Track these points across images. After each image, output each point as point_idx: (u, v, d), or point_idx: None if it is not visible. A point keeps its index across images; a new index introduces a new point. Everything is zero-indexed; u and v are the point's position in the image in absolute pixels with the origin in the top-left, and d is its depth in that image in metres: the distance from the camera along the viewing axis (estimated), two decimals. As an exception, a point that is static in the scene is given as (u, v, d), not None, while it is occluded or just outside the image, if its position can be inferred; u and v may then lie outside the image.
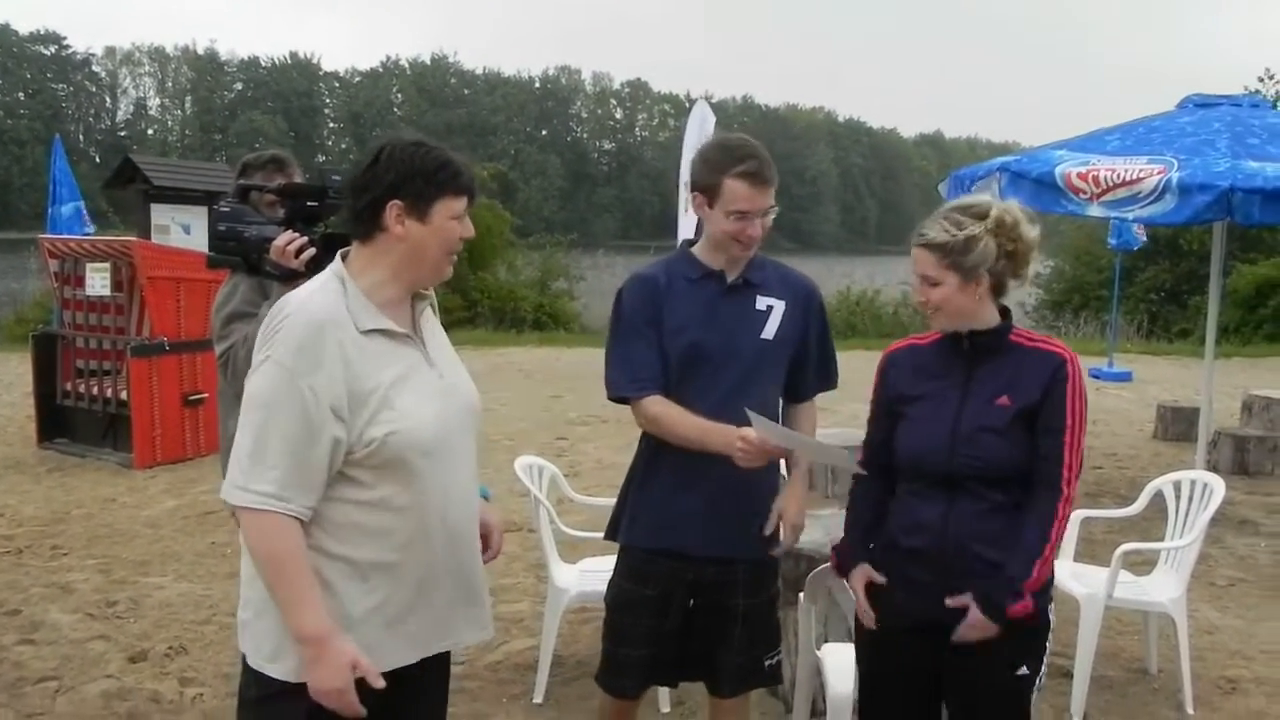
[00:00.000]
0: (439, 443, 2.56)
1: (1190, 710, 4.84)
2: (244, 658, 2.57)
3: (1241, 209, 6.19)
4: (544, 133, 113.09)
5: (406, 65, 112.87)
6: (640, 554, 3.45)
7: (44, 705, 4.76)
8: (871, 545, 3.20)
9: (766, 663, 3.50)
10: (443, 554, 2.60)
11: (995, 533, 2.95)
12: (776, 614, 3.57)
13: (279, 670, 2.48)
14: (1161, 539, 5.21)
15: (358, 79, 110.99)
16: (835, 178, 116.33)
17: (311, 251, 3.45)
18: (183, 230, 14.71)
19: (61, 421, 10.03)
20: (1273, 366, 16.85)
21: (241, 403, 2.48)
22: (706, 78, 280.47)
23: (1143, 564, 5.67)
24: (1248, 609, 6.26)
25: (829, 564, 3.68)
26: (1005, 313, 3.06)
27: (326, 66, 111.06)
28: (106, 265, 9.50)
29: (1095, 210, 6.56)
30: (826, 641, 4.21)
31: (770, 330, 3.37)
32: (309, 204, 3.61)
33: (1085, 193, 6.50)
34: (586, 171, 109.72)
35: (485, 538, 2.82)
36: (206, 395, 9.56)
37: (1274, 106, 9.66)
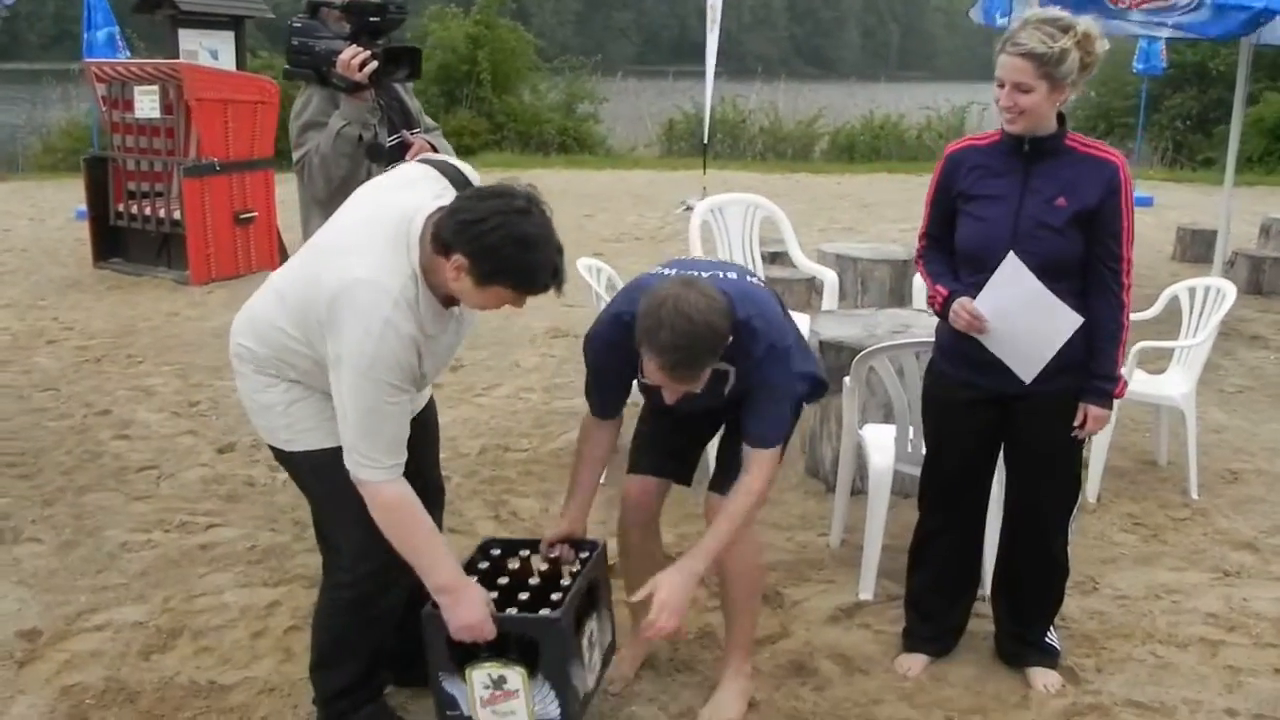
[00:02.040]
0: (441, 364, 3.01)
1: (1195, 495, 5.30)
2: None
3: (1272, 32, 6.37)
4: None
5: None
6: None
7: (149, 489, 5.22)
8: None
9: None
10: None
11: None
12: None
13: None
14: (1175, 340, 5.59)
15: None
16: (858, 1, 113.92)
17: (374, 65, 3.72)
18: (210, 55, 14.79)
19: (115, 242, 10.40)
20: (1291, 195, 16.99)
21: (346, 395, 2.72)
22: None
23: (1158, 363, 6.05)
24: (1254, 412, 6.69)
25: (869, 349, 4.09)
26: (1061, 119, 3.32)
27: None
28: (155, 88, 9.73)
29: (1135, 17, 6.69)
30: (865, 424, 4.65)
31: (729, 389, 3.21)
32: (371, 19, 3.89)
33: (1124, 1, 6.64)
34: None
35: None
36: (256, 213, 9.93)
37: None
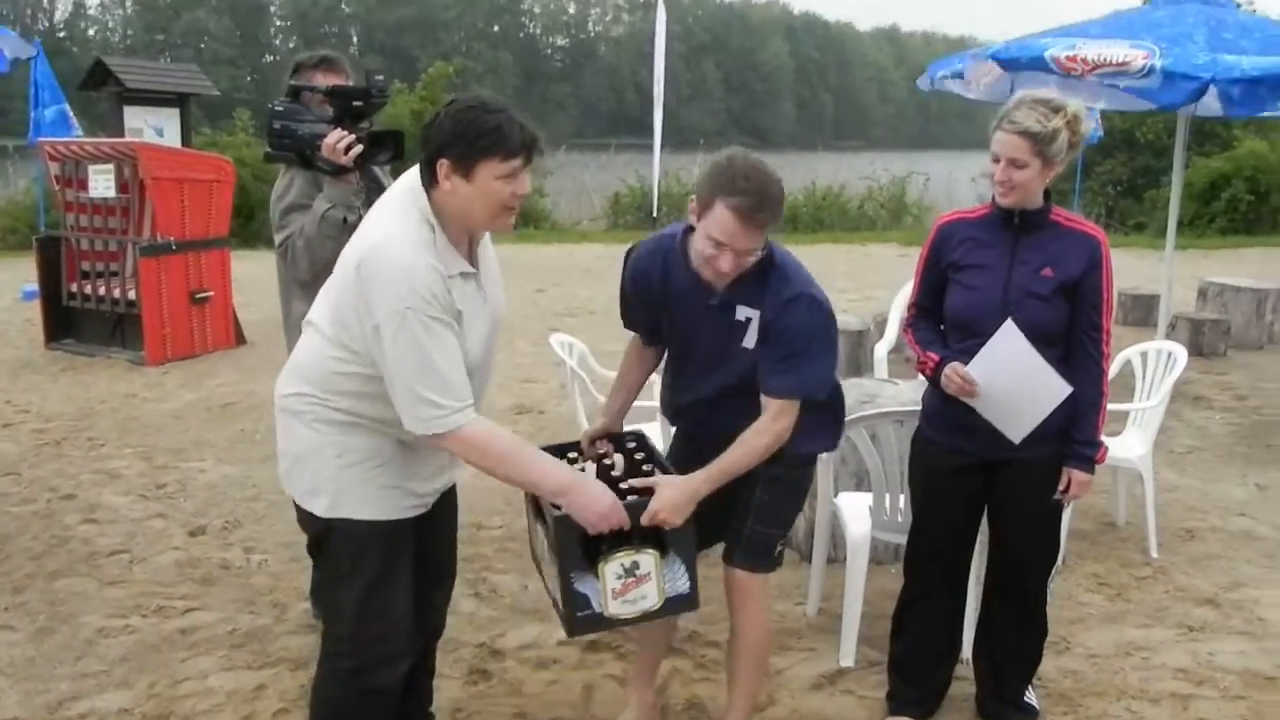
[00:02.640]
0: (478, 361, 2.99)
1: (1154, 554, 5.46)
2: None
3: (1224, 98, 6.63)
4: (496, 29, 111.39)
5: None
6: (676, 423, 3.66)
7: (122, 574, 5.20)
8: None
9: (779, 548, 3.54)
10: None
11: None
12: (793, 497, 3.57)
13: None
14: (1130, 403, 5.76)
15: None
16: (791, 72, 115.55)
17: (359, 149, 3.82)
18: (155, 133, 14.83)
19: (68, 322, 10.31)
20: (1224, 258, 17.45)
21: (389, 352, 2.77)
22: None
23: (1113, 425, 6.19)
24: (1204, 471, 6.90)
25: (850, 417, 4.20)
26: (1047, 195, 3.51)
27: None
28: (110, 167, 9.73)
29: (1090, 80, 6.91)
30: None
31: (750, 340, 3.31)
32: (355, 103, 3.97)
33: (1076, 70, 6.83)
34: (540, 69, 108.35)
35: None
36: (212, 293, 9.94)
37: (1236, 4, 10.05)
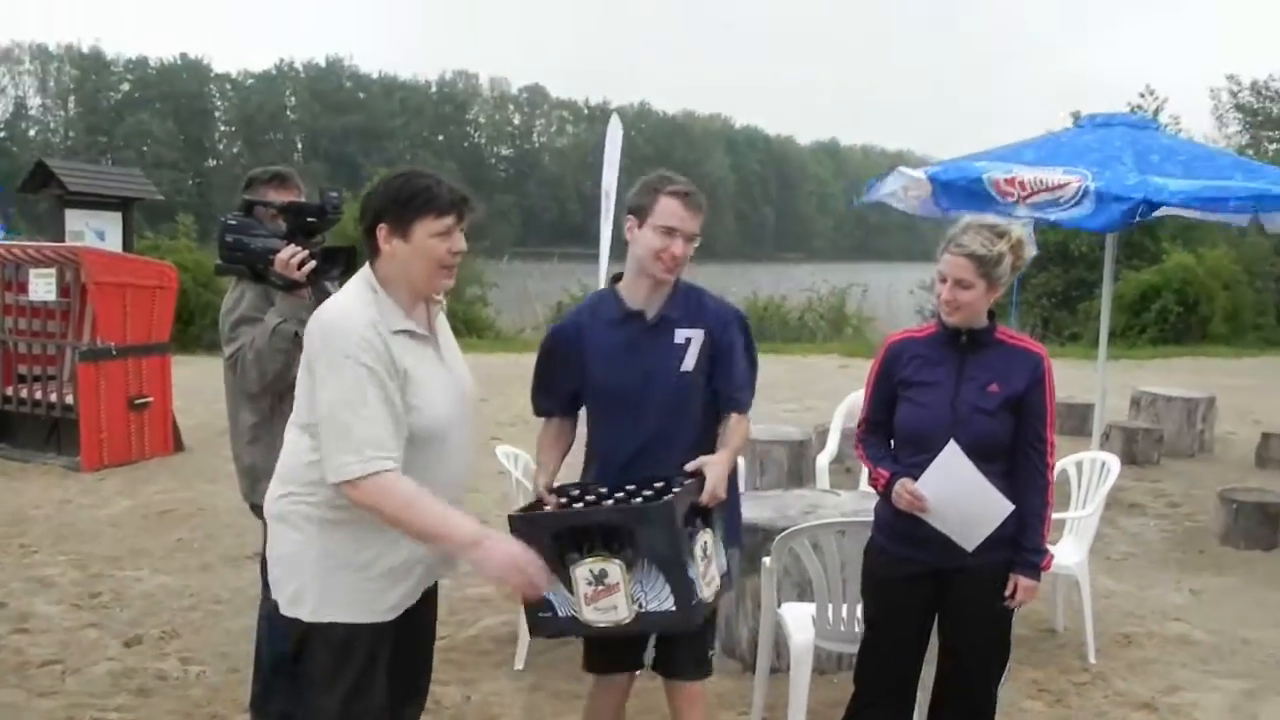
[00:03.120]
0: (450, 427, 3.03)
1: (1093, 660, 5.52)
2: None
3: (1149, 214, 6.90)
4: (441, 138, 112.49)
5: (301, 68, 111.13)
6: None
7: (54, 685, 5.08)
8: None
9: (710, 653, 3.67)
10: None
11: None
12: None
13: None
14: (1066, 512, 5.84)
15: (250, 81, 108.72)
16: (733, 185, 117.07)
17: (312, 264, 3.86)
18: (97, 236, 14.77)
19: (3, 426, 10.19)
20: (1155, 368, 17.80)
21: (320, 396, 2.88)
22: (605, 84, 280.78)
23: (1051, 534, 6.28)
24: (1140, 577, 6.99)
25: (790, 530, 4.24)
26: (991, 314, 3.67)
27: (218, 68, 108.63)
28: (52, 271, 9.70)
29: (1022, 211, 7.12)
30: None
31: (690, 362, 3.53)
32: (309, 219, 4.03)
33: (1012, 195, 7.05)
34: (485, 178, 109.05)
35: None
36: (152, 399, 9.85)
37: (1157, 123, 10.45)
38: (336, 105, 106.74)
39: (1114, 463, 5.71)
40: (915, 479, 3.61)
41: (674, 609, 3.13)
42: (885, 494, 3.72)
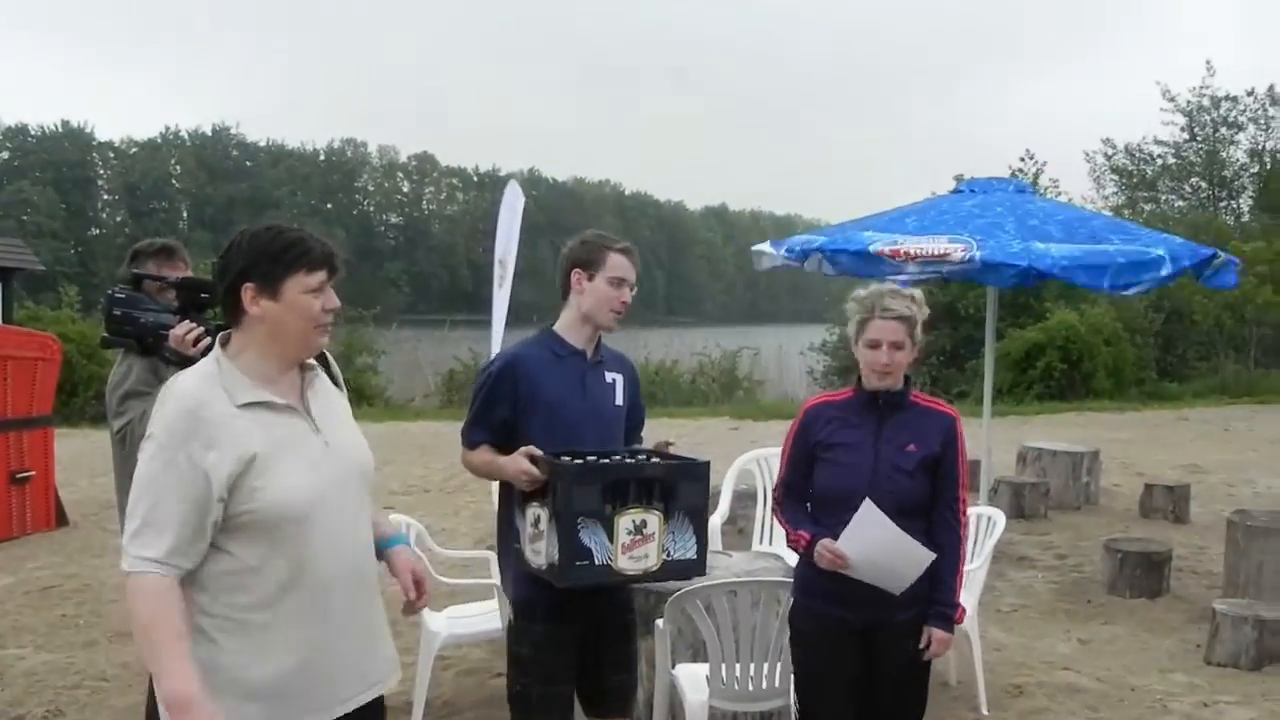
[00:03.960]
0: (313, 507, 2.72)
1: (985, 711, 5.63)
2: None
3: (1040, 281, 7.11)
4: (329, 206, 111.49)
5: (186, 136, 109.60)
6: (561, 594, 3.60)
7: (-71, 772, 4.91)
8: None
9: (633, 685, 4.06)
10: (332, 613, 2.77)
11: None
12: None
13: None
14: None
15: (134, 149, 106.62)
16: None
17: (208, 341, 3.84)
18: (-26, 307, 14.48)
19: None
20: (1042, 423, 18.22)
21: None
22: (494, 152, 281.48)
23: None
24: (1029, 629, 7.14)
25: (683, 590, 4.27)
26: (907, 378, 3.82)
27: (101, 136, 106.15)
28: (-71, 345, 9.44)
29: (912, 268, 7.31)
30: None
31: (619, 398, 4.01)
32: (202, 295, 4.02)
33: (901, 257, 7.29)
34: (374, 245, 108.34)
35: (418, 584, 3.04)
36: (34, 473, 9.59)
37: (1036, 185, 10.81)
38: (223, 173, 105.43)
39: (999, 517, 5.86)
40: (835, 539, 3.69)
41: (695, 556, 3.58)
42: (807, 555, 3.79)
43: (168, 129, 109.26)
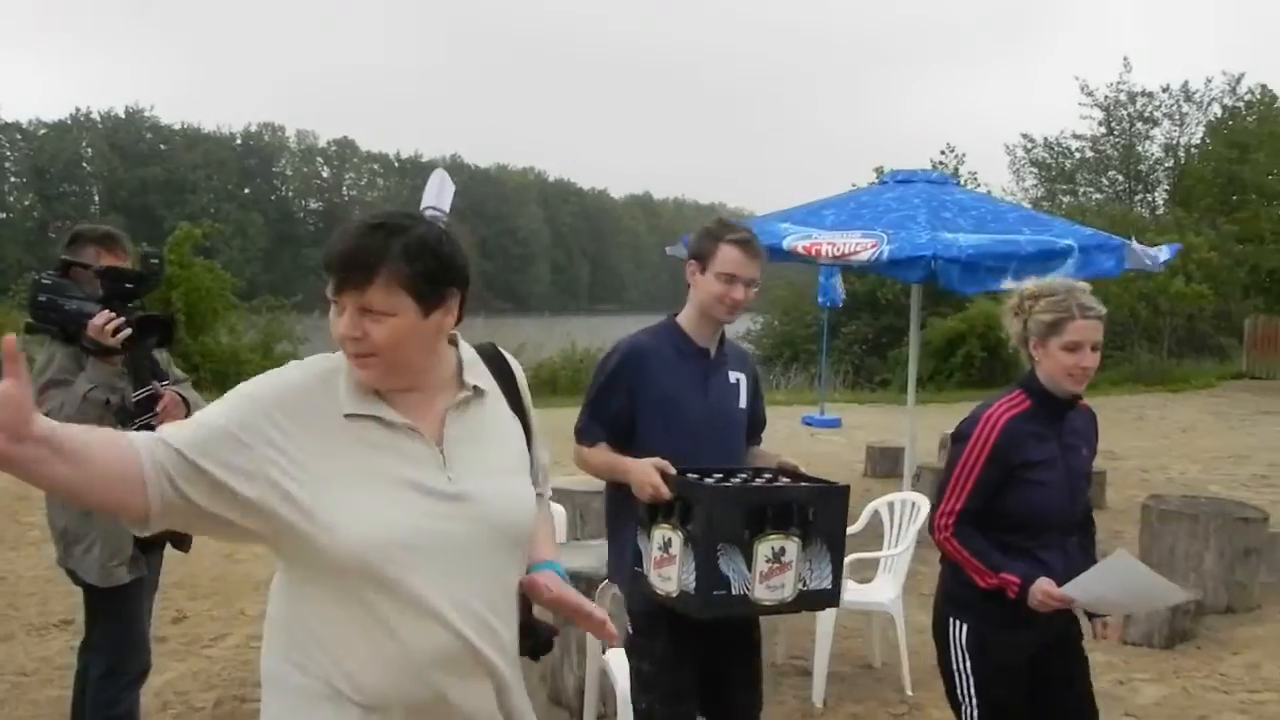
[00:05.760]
0: (408, 553, 2.09)
1: (910, 692, 5.72)
2: None
3: (943, 274, 7.20)
4: (247, 191, 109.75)
5: (98, 118, 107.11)
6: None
7: None
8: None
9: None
10: (427, 686, 2.14)
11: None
12: None
13: None
14: (879, 551, 6.05)
15: (43, 131, 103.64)
16: (547, 238, 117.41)
17: (128, 332, 3.78)
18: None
19: None
20: (962, 410, 18.11)
21: None
22: (415, 137, 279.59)
23: (864, 573, 6.48)
24: (953, 614, 7.21)
25: (606, 582, 4.28)
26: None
27: (7, 117, 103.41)
28: None
29: (825, 261, 7.44)
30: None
31: (743, 400, 3.83)
32: (127, 285, 3.93)
33: (811, 255, 7.38)
34: (293, 232, 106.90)
35: (584, 612, 2.38)
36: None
37: (956, 178, 10.98)
38: (136, 157, 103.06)
39: (923, 502, 5.94)
40: (1043, 562, 3.42)
41: (830, 587, 3.35)
42: (1018, 600, 3.39)
43: (78, 110, 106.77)
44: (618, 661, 4.63)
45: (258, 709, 5.17)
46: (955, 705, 3.62)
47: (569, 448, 3.76)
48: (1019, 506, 3.45)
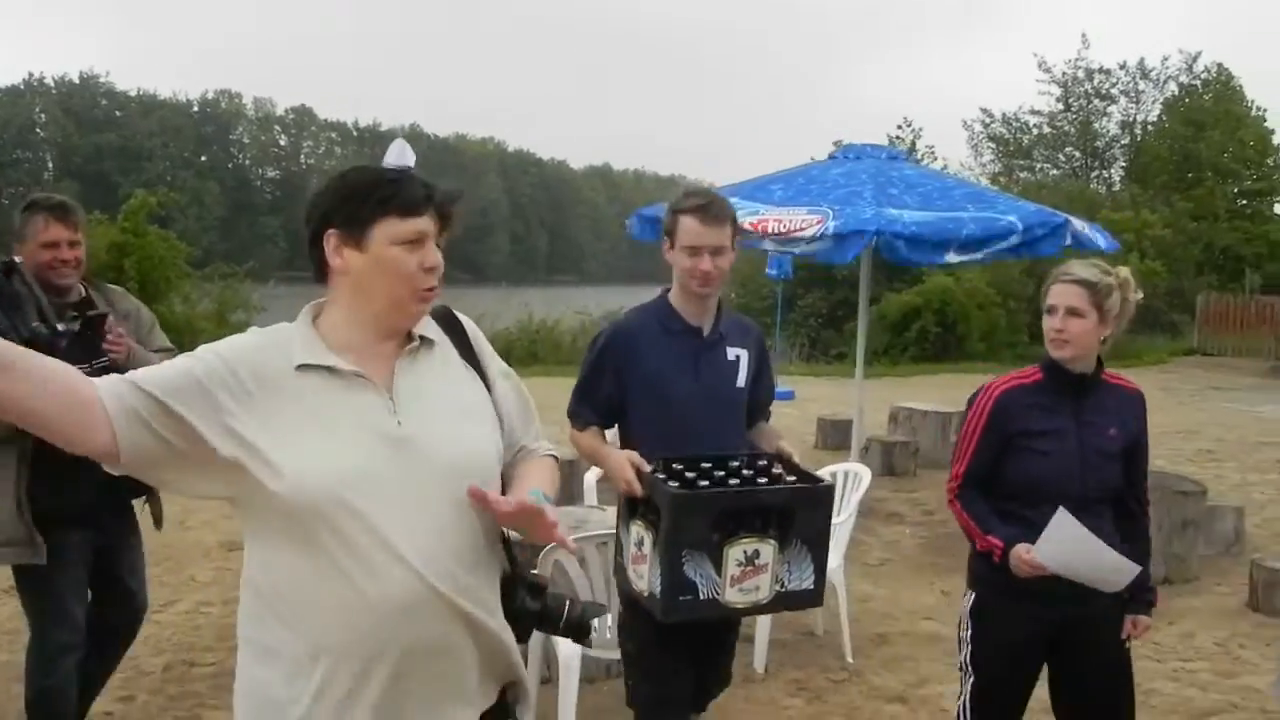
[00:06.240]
0: (335, 509, 2.13)
1: (850, 659, 5.86)
2: None
3: (887, 248, 7.29)
4: (203, 159, 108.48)
5: (52, 84, 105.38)
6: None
7: None
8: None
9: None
10: (389, 635, 2.19)
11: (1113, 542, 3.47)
12: None
13: None
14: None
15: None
16: (506, 208, 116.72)
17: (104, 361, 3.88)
18: None
19: None
20: (916, 384, 18.66)
21: None
22: (374, 106, 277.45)
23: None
24: (895, 581, 7.43)
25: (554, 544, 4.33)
26: (1099, 360, 3.62)
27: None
28: None
29: (768, 244, 7.53)
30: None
31: (741, 379, 3.72)
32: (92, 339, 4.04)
33: (757, 231, 7.45)
34: (250, 200, 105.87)
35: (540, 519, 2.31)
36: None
37: (911, 151, 11.07)
38: (91, 123, 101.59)
39: (865, 473, 6.06)
40: (1024, 537, 3.42)
41: (812, 587, 3.27)
42: (1001, 562, 3.48)
43: (31, 75, 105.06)
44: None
45: (207, 673, 5.26)
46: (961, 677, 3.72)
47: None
48: (1017, 475, 3.54)
